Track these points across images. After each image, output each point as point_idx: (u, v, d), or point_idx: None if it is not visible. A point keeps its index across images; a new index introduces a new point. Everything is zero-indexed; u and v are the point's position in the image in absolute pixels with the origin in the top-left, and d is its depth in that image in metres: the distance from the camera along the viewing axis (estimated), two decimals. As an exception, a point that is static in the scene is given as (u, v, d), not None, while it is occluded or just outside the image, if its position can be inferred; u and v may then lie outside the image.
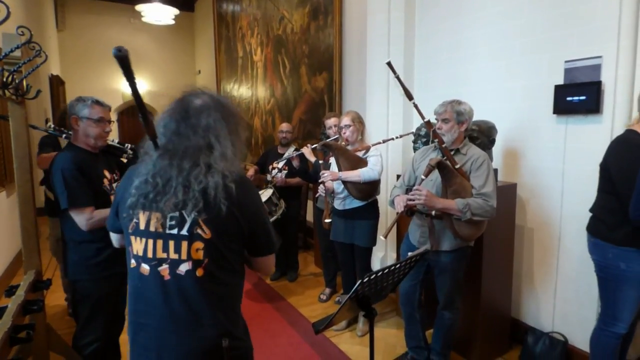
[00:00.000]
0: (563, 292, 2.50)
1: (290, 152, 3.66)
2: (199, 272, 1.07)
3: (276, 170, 3.62)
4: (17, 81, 1.66)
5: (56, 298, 3.33)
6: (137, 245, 1.10)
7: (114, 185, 1.91)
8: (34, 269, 1.87)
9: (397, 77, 2.05)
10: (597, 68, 2.22)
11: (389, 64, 2.03)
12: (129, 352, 1.17)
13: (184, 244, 1.07)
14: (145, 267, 1.09)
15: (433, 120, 2.16)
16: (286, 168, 3.69)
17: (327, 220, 2.89)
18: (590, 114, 2.26)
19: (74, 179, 1.71)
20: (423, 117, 2.09)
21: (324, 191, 2.85)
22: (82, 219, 1.72)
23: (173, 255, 1.07)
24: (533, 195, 2.62)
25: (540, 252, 2.62)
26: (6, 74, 1.52)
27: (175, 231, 1.07)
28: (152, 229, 1.08)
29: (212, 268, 1.08)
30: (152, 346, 1.10)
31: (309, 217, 4.59)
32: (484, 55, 2.85)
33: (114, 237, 1.31)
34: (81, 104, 1.81)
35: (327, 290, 3.53)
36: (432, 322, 2.40)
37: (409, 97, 2.06)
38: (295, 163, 3.45)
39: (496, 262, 2.51)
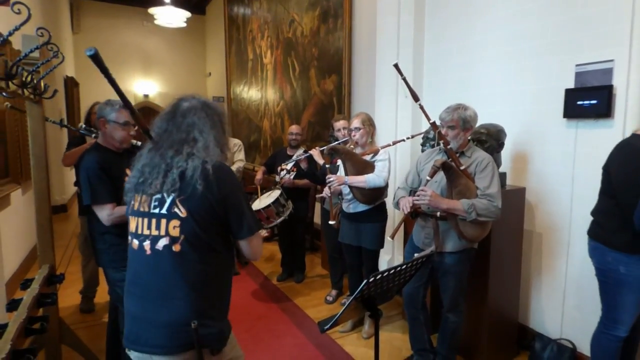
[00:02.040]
0: (572, 298, 2.48)
1: (299, 153, 3.69)
2: (176, 248, 1.19)
3: (285, 172, 3.64)
4: (35, 81, 1.71)
5: (68, 294, 3.40)
6: (132, 224, 1.27)
7: None
8: (48, 264, 1.92)
9: (404, 79, 2.07)
10: (608, 72, 2.21)
11: (396, 65, 2.05)
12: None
13: (163, 222, 1.20)
14: (135, 242, 1.25)
15: (439, 123, 2.17)
16: (295, 169, 3.71)
17: (332, 222, 2.90)
18: (601, 118, 2.25)
19: (97, 177, 1.82)
20: (429, 119, 2.10)
21: (328, 194, 2.86)
22: (103, 214, 1.83)
23: (154, 232, 1.21)
24: (542, 199, 2.60)
25: (548, 257, 2.60)
26: (25, 73, 1.57)
27: (157, 210, 1.21)
28: (141, 209, 1.24)
29: (188, 245, 1.19)
30: (137, 313, 1.23)
31: (317, 219, 4.61)
32: (494, 58, 2.85)
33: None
34: (109, 108, 1.92)
35: (334, 292, 3.54)
36: (437, 326, 2.40)
37: (415, 98, 2.08)
38: (304, 165, 3.47)
39: (504, 267, 2.50)
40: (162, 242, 1.19)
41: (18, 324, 1.39)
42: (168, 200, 1.19)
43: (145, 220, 1.22)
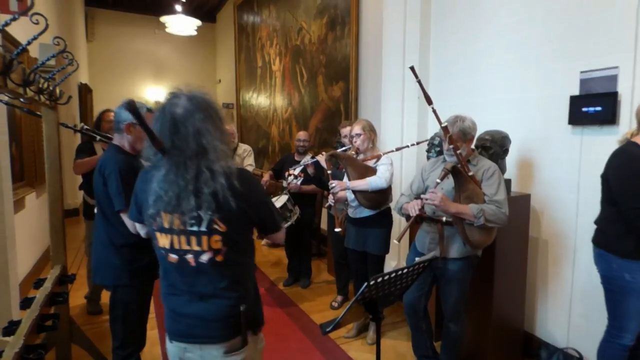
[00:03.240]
0: (578, 307, 2.46)
1: (306, 159, 3.73)
2: (219, 258, 1.26)
3: (292, 177, 3.69)
4: (51, 88, 1.78)
5: (78, 296, 3.46)
6: (163, 240, 1.28)
7: None
8: (60, 264, 1.97)
9: (419, 82, 2.05)
10: (613, 79, 2.22)
11: (412, 68, 2.04)
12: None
13: (204, 238, 1.24)
14: (173, 257, 1.28)
15: (438, 138, 2.18)
16: (302, 175, 3.75)
17: (338, 229, 2.91)
18: (607, 125, 2.25)
19: (127, 182, 1.72)
20: (441, 122, 2.10)
21: (332, 200, 2.88)
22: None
23: (195, 247, 1.25)
24: (547, 206, 2.60)
25: (554, 264, 2.59)
26: (42, 80, 1.64)
27: (195, 228, 1.23)
28: (175, 227, 1.25)
29: (229, 253, 1.27)
30: (177, 312, 1.31)
31: (323, 224, 4.63)
32: (499, 65, 2.87)
33: (139, 227, 1.48)
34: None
35: (339, 298, 3.55)
36: (440, 334, 2.40)
37: (429, 101, 2.07)
38: (311, 170, 3.51)
39: (509, 274, 2.49)
40: (206, 256, 1.25)
41: (31, 321, 1.43)
42: (206, 219, 1.22)
43: (183, 237, 1.25)
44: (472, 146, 2.28)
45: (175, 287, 1.31)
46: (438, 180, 2.01)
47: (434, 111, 2.09)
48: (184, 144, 1.20)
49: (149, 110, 1.88)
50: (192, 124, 1.20)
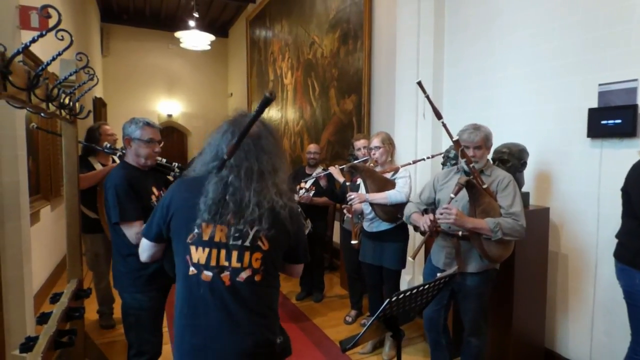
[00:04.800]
0: (600, 323, 2.39)
1: (317, 172, 3.72)
2: (257, 278, 1.22)
3: (303, 190, 3.67)
4: (72, 103, 1.80)
5: (90, 310, 3.45)
6: (199, 254, 1.21)
7: None
8: (76, 278, 1.97)
9: (427, 97, 2.06)
10: (632, 91, 2.19)
11: (419, 83, 2.05)
12: (173, 352, 1.27)
13: (247, 254, 1.20)
14: (207, 274, 1.20)
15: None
16: (313, 188, 3.74)
17: (354, 242, 2.89)
18: (626, 138, 2.22)
19: (125, 194, 1.81)
20: (451, 137, 2.10)
21: (349, 214, 2.86)
22: (131, 232, 1.80)
23: (235, 264, 1.20)
24: (567, 220, 2.55)
25: (575, 279, 2.53)
26: (63, 95, 1.66)
27: (239, 242, 1.20)
28: (216, 239, 1.20)
29: (266, 274, 1.24)
30: (202, 345, 1.20)
31: (336, 237, 4.60)
32: (515, 78, 2.85)
33: (146, 245, 1.36)
34: (134, 126, 1.92)
35: (353, 313, 3.50)
36: (459, 350, 2.34)
37: (438, 116, 2.07)
38: (323, 183, 3.50)
39: (528, 289, 2.44)
40: (245, 274, 1.20)
41: (48, 337, 1.43)
42: (252, 233, 1.19)
43: (223, 251, 1.20)
44: (489, 157, 2.25)
45: (195, 315, 1.20)
46: (452, 195, 1.97)
47: (444, 125, 2.09)
48: (254, 159, 1.22)
49: (147, 124, 1.93)
50: (265, 143, 1.25)
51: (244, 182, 1.20)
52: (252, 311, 1.22)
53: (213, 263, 1.20)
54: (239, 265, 1.20)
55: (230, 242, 1.19)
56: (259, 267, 1.22)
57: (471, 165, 2.05)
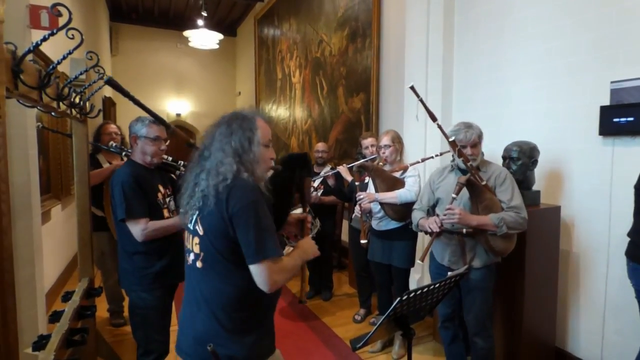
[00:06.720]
0: (612, 322, 2.36)
1: (326, 171, 3.71)
2: (199, 265, 1.23)
3: (312, 189, 3.66)
4: (82, 102, 1.81)
5: (101, 308, 3.49)
6: (187, 239, 1.32)
7: (167, 199, 2.01)
8: (87, 277, 1.99)
9: (421, 100, 2.05)
10: (646, 89, 2.15)
11: (412, 88, 2.04)
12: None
13: (192, 238, 1.26)
14: (187, 257, 1.30)
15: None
16: (322, 187, 3.73)
17: (363, 241, 2.88)
18: (639, 136, 2.18)
19: (132, 191, 1.82)
20: (447, 137, 2.09)
21: (359, 212, 2.86)
22: (137, 229, 1.82)
23: (188, 246, 1.29)
24: (578, 218, 2.52)
25: (586, 278, 2.49)
26: (74, 94, 1.67)
27: (191, 226, 1.26)
28: (188, 224, 1.29)
29: (207, 262, 1.22)
30: (180, 318, 1.32)
31: (344, 236, 4.59)
32: (525, 75, 2.81)
33: None
34: (140, 124, 1.94)
35: (362, 311, 3.49)
36: (468, 352, 2.33)
37: (433, 118, 2.08)
38: (331, 181, 3.49)
39: (539, 288, 2.41)
40: (191, 257, 1.26)
41: (60, 335, 1.44)
42: (194, 217, 1.24)
43: (190, 235, 1.28)
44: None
45: (184, 291, 1.31)
46: (454, 195, 1.99)
47: (440, 127, 2.09)
48: (203, 147, 1.27)
49: (153, 122, 1.95)
50: (220, 129, 1.26)
51: (191, 167, 1.28)
52: (198, 296, 1.23)
53: (188, 246, 1.29)
54: (189, 247, 1.27)
55: (189, 226, 1.27)
56: (199, 253, 1.23)
57: (469, 164, 2.05)
